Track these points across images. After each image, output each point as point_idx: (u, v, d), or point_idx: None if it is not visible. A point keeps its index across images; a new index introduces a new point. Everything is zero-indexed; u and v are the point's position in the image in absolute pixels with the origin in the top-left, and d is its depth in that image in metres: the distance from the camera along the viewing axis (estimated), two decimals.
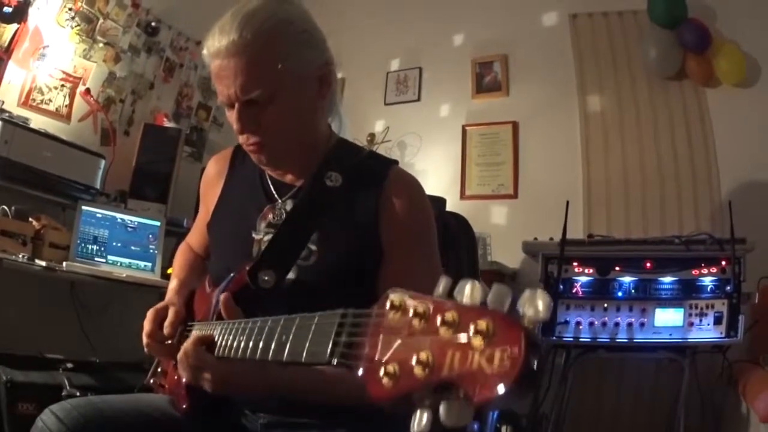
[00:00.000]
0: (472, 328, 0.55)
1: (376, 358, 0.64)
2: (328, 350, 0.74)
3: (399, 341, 0.63)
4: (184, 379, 1.23)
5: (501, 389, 0.52)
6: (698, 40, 3.66)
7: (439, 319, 0.59)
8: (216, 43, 1.26)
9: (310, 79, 1.33)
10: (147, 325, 1.40)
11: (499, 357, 0.53)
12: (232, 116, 1.31)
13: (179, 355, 1.19)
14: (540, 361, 0.53)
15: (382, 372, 0.62)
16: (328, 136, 1.46)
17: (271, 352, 0.92)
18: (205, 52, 1.30)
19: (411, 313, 0.63)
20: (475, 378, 0.54)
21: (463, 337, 0.56)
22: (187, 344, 1.18)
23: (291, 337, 0.87)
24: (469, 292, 0.61)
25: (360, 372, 0.66)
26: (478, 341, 0.54)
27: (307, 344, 0.81)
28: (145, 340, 1.41)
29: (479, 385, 0.53)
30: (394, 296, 0.66)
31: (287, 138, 1.33)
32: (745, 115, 3.65)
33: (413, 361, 0.59)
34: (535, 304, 0.56)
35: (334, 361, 0.73)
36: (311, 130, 1.40)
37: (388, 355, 0.63)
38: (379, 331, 0.66)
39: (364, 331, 0.69)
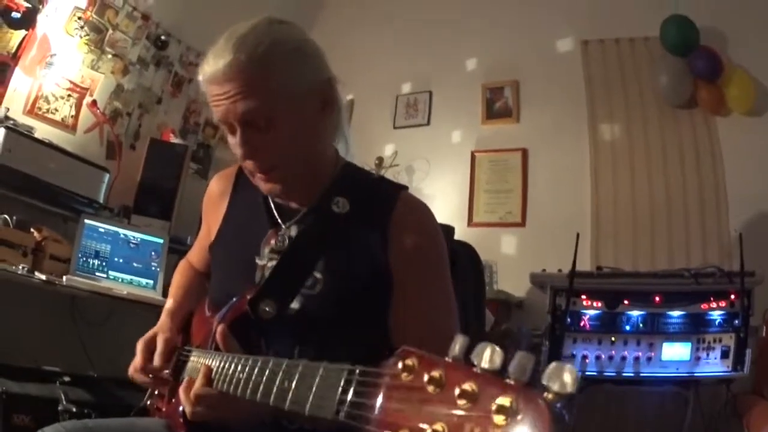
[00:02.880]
0: (494, 404, 0.51)
1: (387, 422, 0.60)
2: (334, 407, 0.71)
3: (411, 407, 0.59)
4: (181, 408, 1.20)
5: None
6: (710, 68, 3.65)
7: (457, 390, 0.55)
8: (211, 68, 1.23)
9: (311, 98, 1.29)
10: (138, 358, 1.38)
11: None
12: (233, 142, 1.28)
13: (181, 389, 1.15)
14: None
15: None
16: (335, 160, 1.43)
17: (272, 396, 0.89)
18: (200, 77, 1.27)
19: (426, 378, 0.59)
20: None
21: (484, 412, 0.52)
22: (196, 388, 1.14)
23: (294, 385, 0.84)
24: (488, 356, 0.57)
25: None
26: (500, 420, 0.51)
27: (311, 397, 0.77)
28: (131, 372, 1.39)
29: None
30: (408, 355, 0.63)
31: (292, 160, 1.29)
32: (756, 144, 3.63)
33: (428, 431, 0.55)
34: (562, 378, 0.52)
35: (340, 418, 0.69)
36: (316, 152, 1.36)
37: (400, 420, 0.59)
38: (390, 394, 0.63)
39: (373, 392, 0.65)
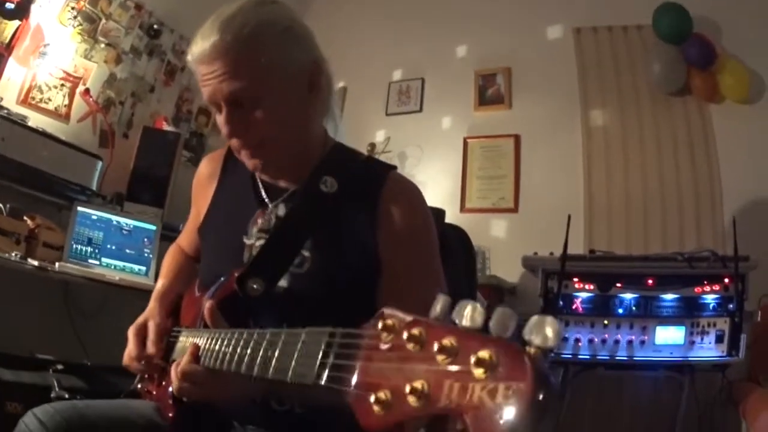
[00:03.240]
0: (473, 357, 0.51)
1: (367, 383, 0.60)
2: (315, 371, 0.70)
3: (392, 366, 0.59)
4: (170, 389, 1.19)
5: (505, 426, 0.47)
6: (703, 56, 3.65)
7: (436, 345, 0.55)
8: (199, 48, 1.23)
9: (298, 79, 1.29)
10: (131, 346, 1.38)
11: (503, 392, 0.48)
12: (220, 120, 1.28)
13: (175, 381, 1.15)
14: (550, 395, 0.48)
15: (372, 399, 0.57)
16: (324, 140, 1.42)
17: (256, 366, 0.89)
18: (189, 58, 1.27)
19: (405, 336, 0.58)
20: (476, 412, 0.49)
21: (463, 366, 0.52)
22: (183, 365, 1.14)
23: (277, 353, 0.84)
24: (469, 314, 0.56)
25: (349, 398, 0.61)
26: (479, 373, 0.50)
27: (293, 363, 0.77)
28: (126, 361, 1.38)
29: (480, 420, 0.49)
30: (388, 316, 0.62)
31: (278, 139, 1.29)
32: (749, 131, 3.63)
33: (407, 390, 0.54)
34: (544, 332, 0.51)
35: (322, 382, 0.69)
36: (303, 132, 1.35)
37: (380, 381, 0.59)
38: (370, 354, 0.62)
39: (353, 354, 0.65)
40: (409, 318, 0.60)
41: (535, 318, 0.52)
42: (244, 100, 1.23)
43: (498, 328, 0.54)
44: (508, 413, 0.47)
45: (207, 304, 1.18)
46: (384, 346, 0.61)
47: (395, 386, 0.56)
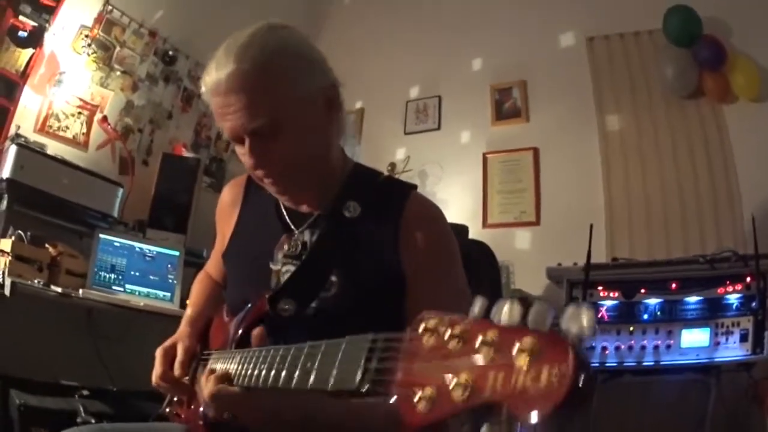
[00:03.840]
0: (516, 346, 0.53)
1: (411, 382, 0.61)
2: (358, 376, 0.72)
3: (435, 365, 0.60)
4: (202, 411, 1.21)
5: (550, 408, 0.49)
6: (713, 57, 3.65)
7: (479, 340, 0.56)
8: (213, 79, 1.23)
9: (316, 103, 1.30)
10: (158, 366, 1.39)
11: (546, 375, 0.50)
12: (242, 152, 1.28)
13: (206, 395, 1.15)
14: (589, 379, 0.50)
15: (417, 397, 0.59)
16: (343, 162, 1.43)
17: (294, 379, 0.89)
18: (203, 89, 1.27)
19: (447, 336, 0.60)
20: (521, 398, 0.51)
21: (506, 357, 0.54)
22: (211, 387, 1.14)
23: (317, 363, 0.85)
24: (507, 311, 0.58)
25: (393, 398, 0.63)
26: (522, 360, 0.52)
27: (335, 371, 0.78)
28: (155, 381, 1.39)
29: (526, 405, 0.51)
30: (428, 318, 0.64)
31: (302, 166, 1.30)
32: (764, 128, 3.62)
33: (452, 384, 0.56)
34: (580, 321, 0.54)
35: (365, 387, 0.71)
36: (324, 156, 1.36)
37: (424, 379, 0.60)
38: (412, 356, 0.64)
39: (396, 356, 0.66)
40: (450, 318, 0.62)
41: (571, 308, 0.54)
42: (264, 127, 1.23)
43: (536, 322, 0.55)
44: (555, 395, 0.49)
45: (256, 331, 1.17)
46: (426, 347, 0.62)
47: (439, 382, 0.58)
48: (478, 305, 0.62)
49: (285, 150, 1.25)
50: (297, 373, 0.89)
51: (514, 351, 0.53)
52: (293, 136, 1.25)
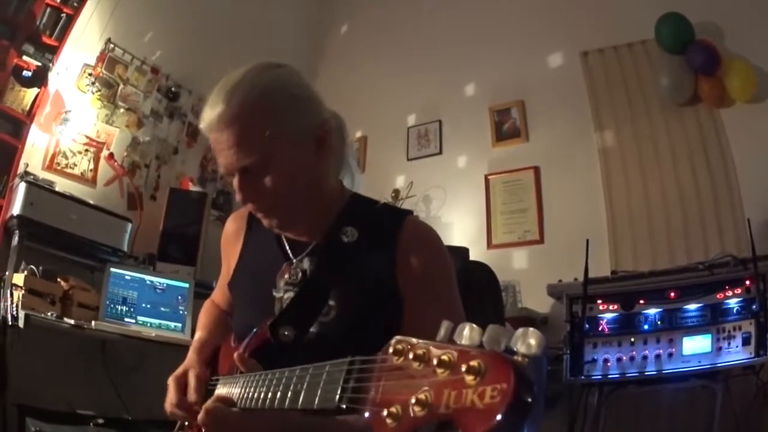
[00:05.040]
0: (464, 367, 0.59)
1: (380, 401, 0.68)
2: (337, 396, 0.78)
3: (401, 383, 0.66)
4: None
5: (492, 422, 0.54)
6: (707, 62, 3.68)
7: (436, 361, 0.62)
8: (207, 117, 1.29)
9: (305, 142, 1.34)
10: (171, 395, 1.43)
11: (489, 393, 0.56)
12: (234, 186, 1.34)
13: (200, 416, 1.20)
14: (534, 394, 0.56)
15: (385, 413, 0.65)
16: (340, 192, 1.48)
17: (287, 400, 0.96)
18: (201, 126, 1.33)
19: (411, 357, 0.66)
20: (469, 413, 0.57)
21: (457, 377, 0.59)
22: (207, 404, 1.21)
23: (305, 385, 0.91)
24: (467, 334, 0.64)
25: (366, 414, 0.69)
26: (470, 379, 0.58)
27: (319, 391, 0.85)
28: (169, 409, 1.43)
29: (473, 419, 0.56)
30: (396, 342, 0.70)
31: (290, 201, 1.35)
32: (762, 130, 3.63)
33: (413, 401, 0.62)
34: (528, 342, 0.59)
35: (343, 406, 0.77)
36: (315, 190, 1.40)
37: (391, 397, 0.66)
38: (383, 375, 0.70)
39: (369, 377, 0.73)
40: (414, 341, 0.69)
41: (520, 330, 0.60)
42: (252, 165, 1.29)
43: (491, 343, 0.62)
44: (495, 411, 0.55)
45: (235, 355, 1.24)
46: (394, 367, 0.69)
47: (403, 400, 0.64)
48: (443, 329, 0.68)
49: (273, 186, 1.30)
50: (289, 394, 0.96)
51: (464, 370, 0.59)
52: (281, 174, 1.30)
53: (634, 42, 4.13)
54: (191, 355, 1.53)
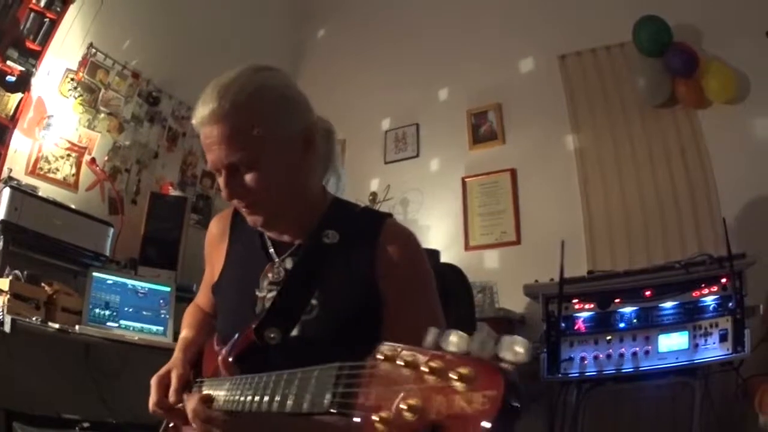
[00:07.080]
0: (453, 374, 0.61)
1: (371, 406, 0.70)
2: (327, 400, 0.81)
3: (391, 389, 0.69)
4: None
5: (482, 427, 0.57)
6: (685, 64, 3.71)
7: (425, 368, 0.65)
8: (200, 113, 1.33)
9: (293, 143, 1.38)
10: (153, 394, 1.45)
11: (479, 399, 0.58)
12: (220, 182, 1.37)
13: (190, 416, 1.24)
14: (522, 400, 0.59)
15: (376, 418, 0.67)
16: (322, 196, 1.51)
17: (275, 404, 0.98)
18: (193, 122, 1.37)
19: (401, 363, 0.69)
20: (459, 419, 0.59)
21: (447, 383, 0.62)
22: (194, 404, 1.24)
23: (294, 389, 0.93)
24: (455, 341, 0.67)
25: (356, 419, 0.72)
26: (460, 386, 0.60)
27: (308, 395, 0.87)
28: (152, 408, 1.45)
29: (463, 425, 0.59)
30: (385, 348, 0.73)
31: (275, 199, 1.38)
32: (739, 129, 3.68)
33: (404, 407, 0.64)
34: (514, 349, 0.62)
35: (334, 411, 0.79)
36: (300, 191, 1.43)
37: (381, 403, 0.69)
38: (372, 381, 0.72)
39: (359, 382, 0.75)
40: (401, 347, 0.71)
41: (507, 338, 0.63)
42: (240, 162, 1.32)
43: (478, 350, 0.65)
44: (485, 417, 0.57)
45: (219, 358, 1.28)
46: (383, 373, 0.71)
47: (394, 405, 0.66)
48: (430, 335, 0.71)
49: (258, 184, 1.34)
50: (277, 398, 0.98)
51: (454, 377, 0.61)
52: (267, 172, 1.34)
53: (612, 45, 4.16)
54: (177, 354, 1.54)
